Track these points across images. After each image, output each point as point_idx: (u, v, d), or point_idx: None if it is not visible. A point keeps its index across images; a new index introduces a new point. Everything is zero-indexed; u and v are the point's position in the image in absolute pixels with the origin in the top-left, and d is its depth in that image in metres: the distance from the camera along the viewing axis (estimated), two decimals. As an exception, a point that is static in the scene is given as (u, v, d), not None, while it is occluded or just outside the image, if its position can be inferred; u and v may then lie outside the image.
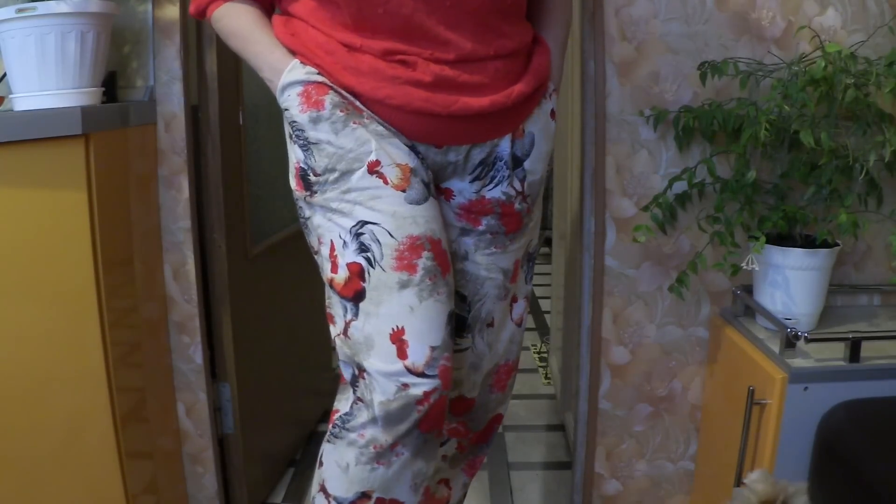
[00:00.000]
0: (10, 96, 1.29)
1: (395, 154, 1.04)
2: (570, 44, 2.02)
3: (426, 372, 0.98)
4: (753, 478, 1.01)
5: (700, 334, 1.58)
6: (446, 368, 1.00)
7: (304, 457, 2.11)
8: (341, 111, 1.03)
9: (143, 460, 1.46)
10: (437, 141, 1.07)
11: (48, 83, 1.26)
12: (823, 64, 1.25)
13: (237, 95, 1.67)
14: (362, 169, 1.02)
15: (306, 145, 1.05)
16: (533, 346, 3.00)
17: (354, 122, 1.03)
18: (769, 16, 1.44)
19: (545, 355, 2.84)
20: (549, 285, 2.87)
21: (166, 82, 1.48)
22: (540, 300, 3.61)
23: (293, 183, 1.09)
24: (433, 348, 1.00)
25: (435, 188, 1.12)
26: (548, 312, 3.17)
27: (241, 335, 1.71)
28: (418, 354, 0.98)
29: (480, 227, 1.16)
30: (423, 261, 1.01)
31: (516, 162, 1.14)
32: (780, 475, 1.25)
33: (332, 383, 1.86)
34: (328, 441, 1.09)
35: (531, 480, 1.99)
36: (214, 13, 1.12)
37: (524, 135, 1.13)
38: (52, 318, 1.28)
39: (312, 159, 1.04)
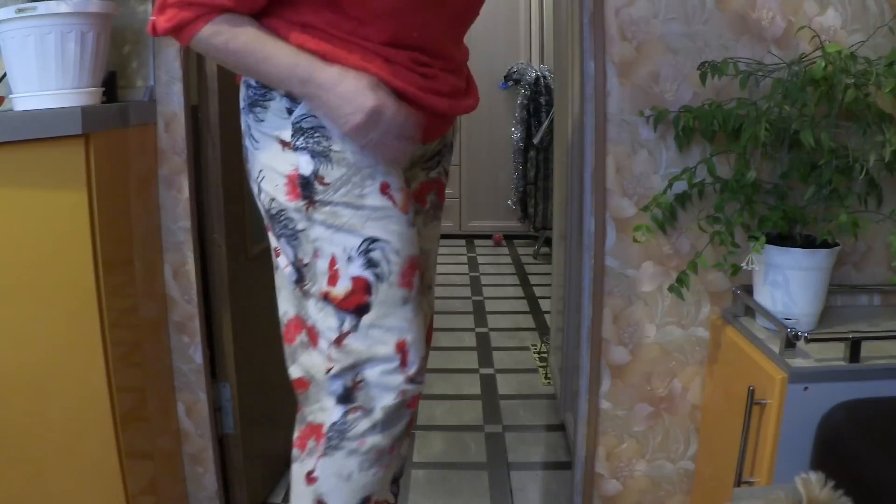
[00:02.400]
0: (10, 96, 1.29)
1: (399, 177, 1.11)
2: (570, 43, 2.03)
3: (417, 379, 1.09)
4: (807, 477, 0.88)
5: (700, 334, 1.58)
6: (424, 372, 1.12)
7: (304, 457, 2.11)
8: None
9: (143, 460, 1.46)
10: (429, 138, 1.19)
11: (48, 83, 1.26)
12: (823, 64, 1.25)
13: (237, 95, 1.67)
14: (375, 188, 1.07)
15: (326, 152, 1.05)
16: (533, 346, 3.00)
17: None
18: (769, 16, 1.44)
19: (545, 355, 2.84)
20: (549, 285, 2.87)
21: (166, 82, 1.48)
22: (540, 300, 3.61)
23: (283, 192, 1.07)
24: (422, 358, 1.10)
25: None
26: (548, 312, 3.17)
27: (241, 335, 1.71)
28: (414, 364, 1.08)
29: (427, 206, 1.30)
30: (415, 279, 1.10)
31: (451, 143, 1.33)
32: (779, 475, 1.25)
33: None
34: (325, 455, 1.10)
35: (531, 480, 1.99)
36: (204, 30, 0.99)
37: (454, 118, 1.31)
38: (52, 318, 1.28)
39: (327, 167, 1.05)
